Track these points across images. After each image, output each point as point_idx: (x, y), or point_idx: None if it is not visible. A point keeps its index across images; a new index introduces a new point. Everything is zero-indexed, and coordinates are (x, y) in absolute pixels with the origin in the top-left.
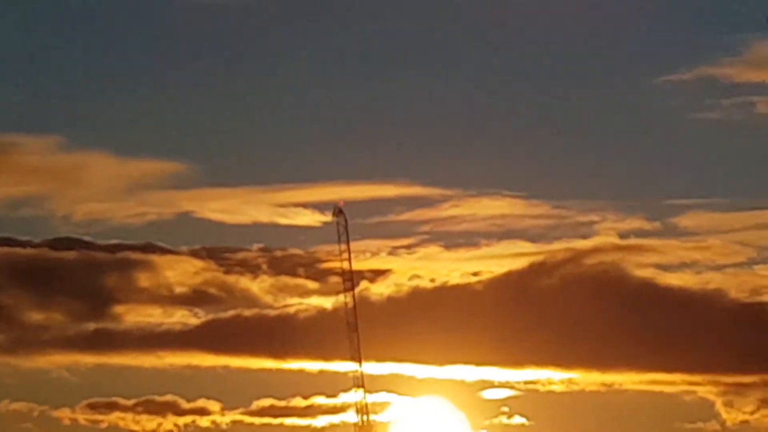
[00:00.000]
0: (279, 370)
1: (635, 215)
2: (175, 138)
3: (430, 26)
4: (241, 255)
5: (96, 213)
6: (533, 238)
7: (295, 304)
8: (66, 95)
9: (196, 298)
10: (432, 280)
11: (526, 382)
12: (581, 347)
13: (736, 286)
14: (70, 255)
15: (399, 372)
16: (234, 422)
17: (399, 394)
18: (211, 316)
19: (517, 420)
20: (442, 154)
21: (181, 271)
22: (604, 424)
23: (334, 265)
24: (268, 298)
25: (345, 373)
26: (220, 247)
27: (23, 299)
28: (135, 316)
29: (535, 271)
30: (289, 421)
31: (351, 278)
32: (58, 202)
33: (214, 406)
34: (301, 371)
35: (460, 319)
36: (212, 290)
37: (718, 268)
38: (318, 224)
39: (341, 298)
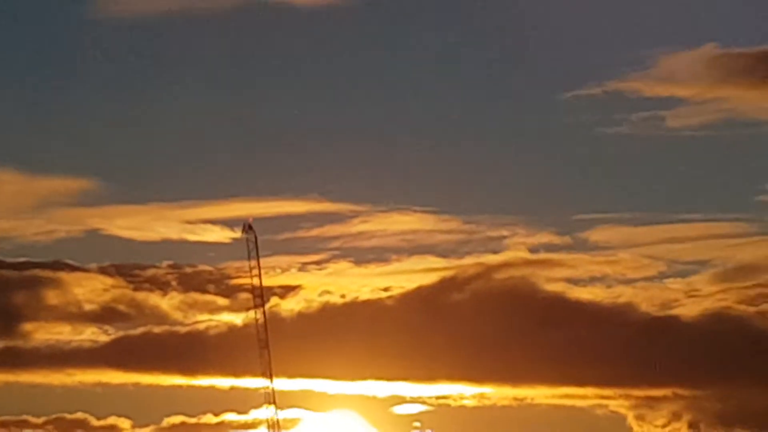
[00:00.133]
0: (190, 387)
1: (545, 230)
2: (83, 155)
3: (335, 40)
4: (150, 272)
5: (4, 231)
6: (443, 254)
7: (205, 320)
8: None
9: (105, 315)
10: (342, 296)
11: (437, 397)
12: (492, 362)
13: (646, 299)
14: None
15: (310, 388)
16: None
17: (310, 410)
18: (120, 333)
19: None
20: (352, 169)
21: (90, 289)
22: None
23: (244, 281)
24: (178, 315)
25: (256, 390)
26: (130, 264)
27: None
28: (44, 333)
29: (445, 286)
30: None
31: (261, 294)
32: None
33: (124, 423)
34: (211, 388)
35: (371, 334)
36: (122, 307)
37: (629, 281)
38: (228, 241)
39: (251, 314)
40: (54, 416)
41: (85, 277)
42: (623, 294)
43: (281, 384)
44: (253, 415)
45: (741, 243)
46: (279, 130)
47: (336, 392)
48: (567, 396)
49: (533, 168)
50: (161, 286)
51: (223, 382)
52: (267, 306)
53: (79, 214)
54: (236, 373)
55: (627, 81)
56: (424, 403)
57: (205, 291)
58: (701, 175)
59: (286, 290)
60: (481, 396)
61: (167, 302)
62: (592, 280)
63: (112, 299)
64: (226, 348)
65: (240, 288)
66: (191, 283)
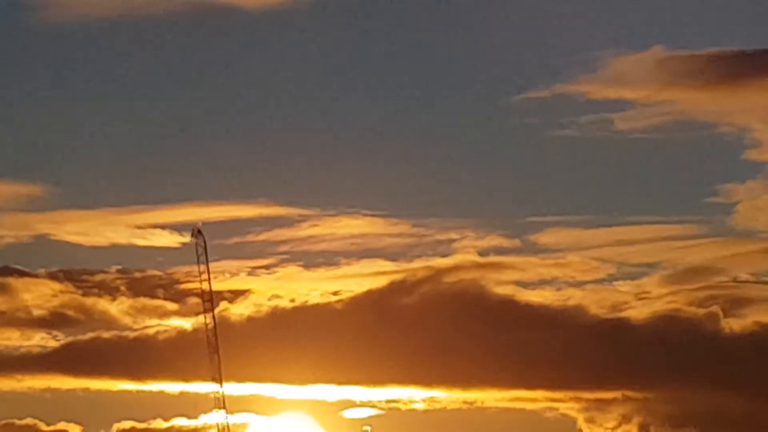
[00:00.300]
0: (139, 392)
1: (494, 233)
2: (31, 160)
3: (283, 43)
4: (99, 277)
5: None
6: (393, 257)
7: (154, 325)
8: None
9: (54, 320)
10: (292, 300)
11: (387, 401)
12: (442, 365)
13: (596, 302)
14: None
15: (260, 392)
16: None
17: (260, 414)
18: (70, 339)
19: None
20: (301, 173)
21: (39, 294)
22: None
23: (194, 286)
24: (127, 320)
25: (206, 395)
26: (78, 270)
27: None
28: None
29: (395, 289)
30: None
31: (210, 299)
32: None
33: (74, 429)
34: (161, 393)
35: (320, 338)
36: (71, 313)
37: (578, 284)
38: (177, 245)
39: (201, 319)
40: (3, 422)
41: (34, 282)
42: (573, 297)
43: (231, 388)
44: (203, 419)
45: (690, 245)
46: (227, 135)
47: (286, 396)
48: (517, 399)
49: (482, 171)
50: (110, 291)
51: (172, 387)
52: (216, 310)
53: (27, 220)
54: (186, 378)
55: (575, 84)
56: (374, 406)
57: (154, 296)
58: (650, 177)
59: (236, 295)
60: (431, 400)
61: (116, 307)
62: (542, 283)
63: (61, 305)
64: (176, 353)
65: (189, 293)
66: (140, 288)
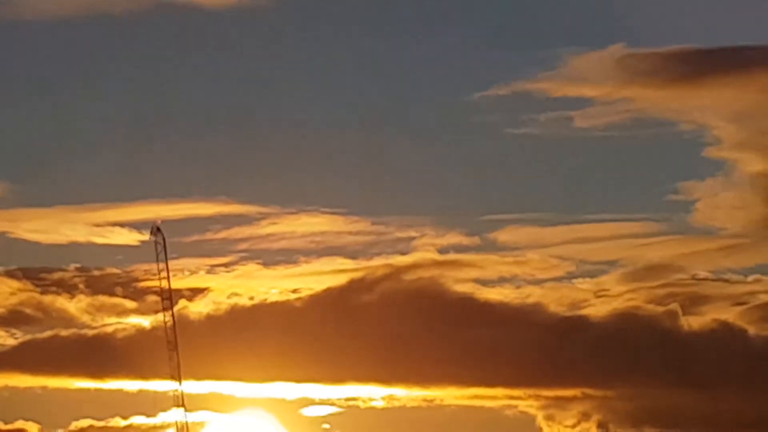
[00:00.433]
0: (98, 390)
1: (454, 230)
2: None
3: (243, 41)
4: (57, 275)
5: None
6: (352, 255)
7: (113, 323)
8: None
9: (12, 318)
10: (251, 298)
11: (347, 399)
12: (402, 363)
13: (555, 300)
14: None
15: (219, 390)
16: None
17: (219, 412)
18: (28, 337)
19: None
20: (260, 171)
21: None
22: None
23: (153, 284)
24: (86, 318)
25: (165, 393)
26: (37, 268)
27: None
28: None
29: (354, 287)
30: None
31: (169, 297)
32: None
33: (32, 427)
34: (120, 391)
35: (280, 336)
36: (29, 311)
37: (537, 282)
38: (136, 243)
39: (160, 317)
40: None
41: None
42: (532, 294)
43: (190, 386)
44: (162, 417)
45: (650, 243)
46: (187, 133)
47: (245, 394)
48: (476, 397)
49: (442, 169)
50: (69, 289)
51: (131, 385)
52: (175, 308)
53: None
54: (144, 376)
55: (535, 81)
56: (333, 404)
57: (112, 294)
58: (610, 175)
59: (195, 293)
60: (391, 397)
61: (75, 305)
62: (501, 281)
63: (20, 303)
64: (135, 351)
65: (148, 291)
66: (99, 286)
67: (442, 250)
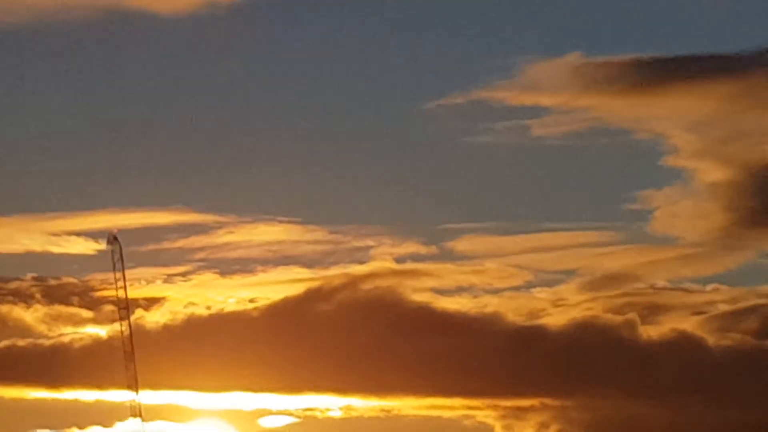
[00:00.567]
0: (54, 401)
1: (411, 239)
2: None
3: (198, 49)
4: (14, 284)
5: None
6: (309, 264)
7: (69, 333)
8: None
9: None
10: (208, 308)
11: (304, 409)
12: (359, 373)
13: (513, 309)
14: None
15: (176, 400)
16: None
17: (176, 422)
18: None
19: None
20: (216, 180)
21: None
22: None
23: (109, 293)
24: (43, 328)
25: (121, 403)
26: None
27: None
28: None
29: (311, 297)
30: None
31: (126, 306)
32: None
33: None
34: (76, 401)
35: (237, 346)
36: None
37: (495, 291)
38: (92, 252)
39: (116, 326)
40: None
41: None
42: (490, 304)
43: (147, 396)
44: (119, 428)
45: (608, 252)
46: (143, 141)
47: (202, 405)
48: (434, 407)
49: (398, 177)
50: (25, 298)
51: (87, 395)
52: (132, 318)
53: None
54: (101, 386)
55: (491, 90)
56: (290, 414)
57: (69, 303)
58: (567, 184)
59: (151, 302)
60: (348, 407)
61: (31, 315)
62: (459, 290)
63: None
64: (91, 361)
65: (105, 300)
66: (55, 295)
67: (400, 259)
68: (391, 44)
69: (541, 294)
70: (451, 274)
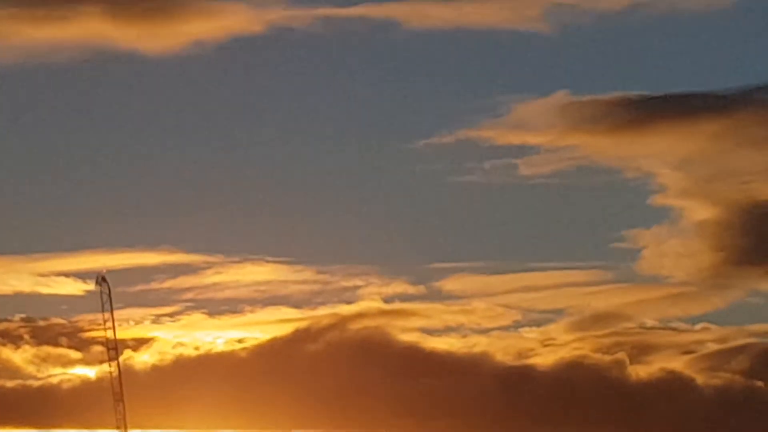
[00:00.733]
0: None
1: (399, 279)
2: None
3: (184, 89)
4: (2, 326)
5: None
6: (297, 304)
7: (58, 374)
8: None
9: None
10: (196, 348)
11: None
12: (348, 413)
13: (501, 349)
14: None
15: None
16: None
17: None
18: None
19: None
20: (204, 220)
21: None
22: None
23: (98, 334)
24: (31, 369)
25: None
26: None
27: None
28: None
29: (299, 337)
30: None
31: (115, 347)
32: None
33: None
34: None
35: (225, 386)
36: None
37: (484, 331)
38: (81, 293)
39: (105, 367)
40: None
41: None
42: (478, 343)
43: None
44: None
45: (596, 291)
46: (131, 182)
47: None
48: None
49: (386, 217)
50: (14, 339)
51: None
52: (121, 359)
53: None
54: (90, 427)
55: (479, 129)
56: None
57: (58, 344)
58: (555, 223)
59: (140, 343)
60: None
61: (20, 356)
62: (447, 330)
63: None
64: (80, 401)
65: (93, 341)
66: (44, 336)
67: (388, 299)
68: (379, 84)
69: (530, 334)
70: (439, 313)
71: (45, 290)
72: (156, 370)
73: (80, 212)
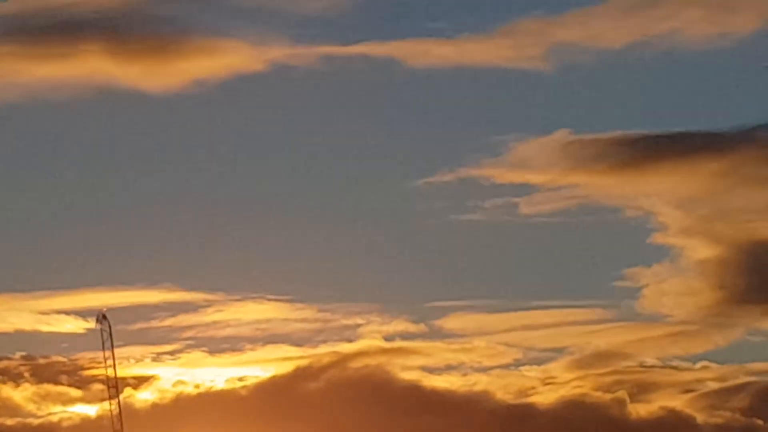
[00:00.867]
0: None
1: (400, 318)
2: None
3: (186, 128)
4: (2, 363)
5: None
6: (298, 342)
7: (58, 412)
8: None
9: None
10: (197, 386)
11: None
12: None
13: (502, 387)
14: None
15: None
16: None
17: None
18: None
19: None
20: (205, 258)
21: None
22: None
23: (98, 372)
24: (31, 407)
25: None
26: None
27: None
28: None
29: (300, 375)
30: None
31: (115, 385)
32: None
33: None
34: None
35: (226, 424)
36: None
37: (484, 369)
38: (81, 331)
39: (106, 405)
40: None
41: None
42: (479, 382)
43: None
44: None
45: (597, 329)
46: (132, 219)
47: None
48: None
49: (387, 255)
50: (14, 377)
51: None
52: (121, 397)
53: None
54: None
55: (480, 168)
56: None
57: (58, 382)
58: (556, 261)
59: (140, 381)
60: None
61: (20, 394)
62: (448, 368)
63: None
64: None
65: (94, 379)
66: (44, 374)
67: (389, 338)
68: (380, 122)
69: (531, 372)
70: (440, 352)
71: (45, 328)
72: (156, 408)
73: (81, 250)
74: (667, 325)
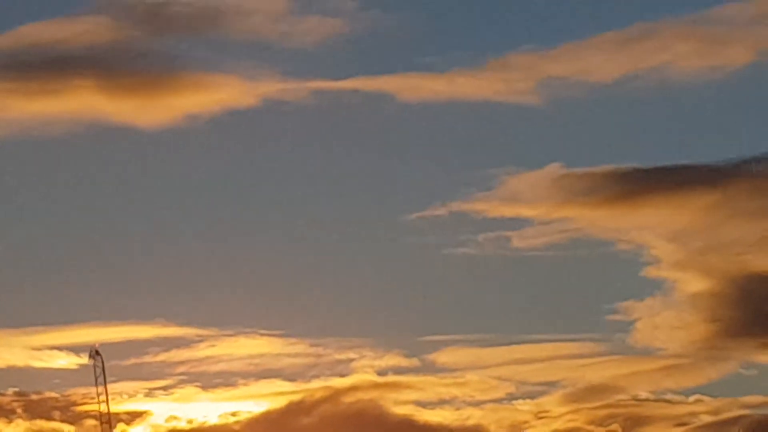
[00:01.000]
0: None
1: (393, 352)
2: None
3: (179, 163)
4: None
5: None
6: (291, 377)
7: None
8: None
9: None
10: (190, 422)
11: None
12: None
13: (495, 421)
14: None
15: None
16: None
17: None
18: None
19: None
20: (197, 294)
21: None
22: None
23: (91, 407)
24: None
25: None
26: None
27: None
28: None
29: (293, 410)
30: None
31: (108, 421)
32: None
33: None
34: None
35: None
36: None
37: (477, 403)
38: (74, 366)
39: None
40: None
41: None
42: (472, 416)
43: None
44: None
45: (590, 363)
46: (123, 255)
47: None
48: None
49: (379, 290)
50: (6, 414)
51: None
52: None
53: None
54: None
55: (472, 202)
56: None
57: (51, 418)
58: (549, 295)
59: (133, 416)
60: None
61: (13, 430)
62: (441, 403)
63: None
64: None
65: (86, 414)
66: (37, 410)
67: (381, 372)
68: (372, 156)
69: (524, 406)
70: (432, 386)
71: (38, 364)
72: None
73: (73, 286)
74: (660, 359)
